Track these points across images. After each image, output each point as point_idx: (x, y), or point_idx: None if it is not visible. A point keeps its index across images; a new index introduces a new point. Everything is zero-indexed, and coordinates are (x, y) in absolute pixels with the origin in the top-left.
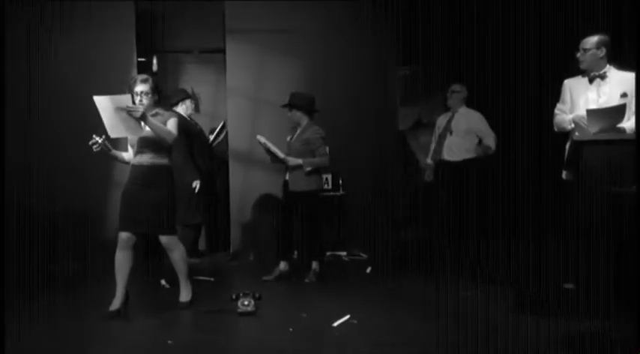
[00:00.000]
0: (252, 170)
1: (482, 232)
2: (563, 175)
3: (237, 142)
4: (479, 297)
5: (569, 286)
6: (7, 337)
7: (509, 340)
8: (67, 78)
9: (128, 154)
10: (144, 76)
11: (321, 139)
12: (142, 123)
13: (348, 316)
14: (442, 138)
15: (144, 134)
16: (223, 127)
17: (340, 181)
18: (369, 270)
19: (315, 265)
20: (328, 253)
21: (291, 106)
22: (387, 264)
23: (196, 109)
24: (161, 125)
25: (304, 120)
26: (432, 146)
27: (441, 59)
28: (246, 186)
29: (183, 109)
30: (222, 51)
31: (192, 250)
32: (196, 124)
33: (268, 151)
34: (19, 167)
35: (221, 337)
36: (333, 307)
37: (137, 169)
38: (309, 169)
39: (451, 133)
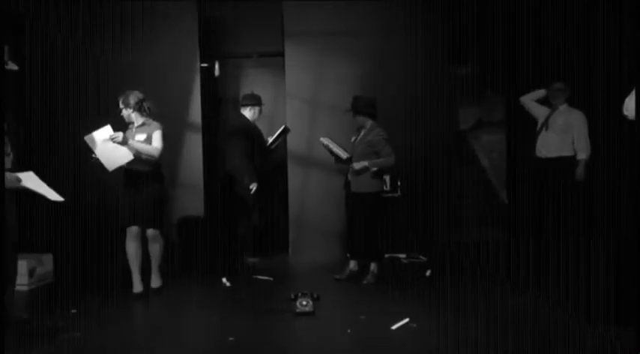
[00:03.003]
0: (311, 172)
1: (564, 232)
2: None
3: (296, 144)
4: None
5: None
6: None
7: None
8: (133, 84)
9: None
10: (126, 93)
11: (383, 140)
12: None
13: (407, 320)
14: (538, 134)
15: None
16: (284, 131)
17: (398, 183)
18: (428, 273)
19: (373, 266)
20: (386, 255)
21: (355, 110)
22: (447, 267)
23: (260, 112)
24: (144, 146)
25: (368, 122)
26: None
27: (504, 57)
28: (304, 187)
29: (250, 113)
30: (282, 54)
31: (251, 250)
32: (258, 129)
33: (332, 152)
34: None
35: (279, 337)
36: (391, 309)
37: (128, 172)
38: (375, 169)
39: (547, 128)
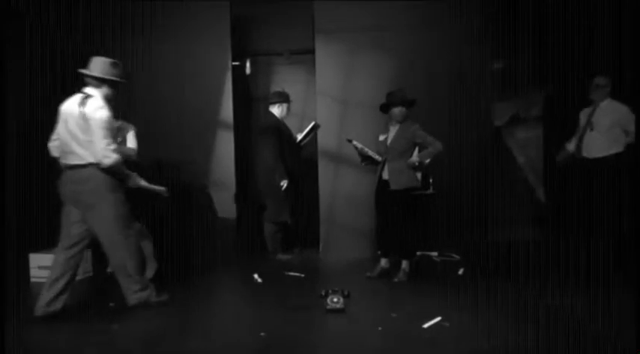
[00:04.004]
0: (342, 169)
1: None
2: None
3: (326, 141)
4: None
5: None
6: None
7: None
8: (167, 81)
9: None
10: None
11: (423, 131)
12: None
13: (439, 318)
14: (582, 133)
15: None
16: (313, 127)
17: (430, 180)
18: (461, 271)
19: (405, 264)
20: (418, 253)
21: (392, 103)
22: (481, 266)
23: (289, 109)
24: (123, 148)
25: (405, 117)
26: (574, 141)
27: (539, 52)
28: (335, 184)
29: (278, 111)
30: (312, 51)
31: (282, 247)
32: (287, 126)
33: (366, 154)
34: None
35: (310, 333)
36: (423, 308)
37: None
38: (428, 160)
39: (592, 128)
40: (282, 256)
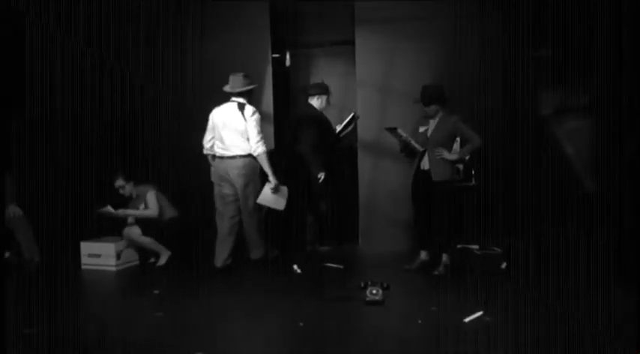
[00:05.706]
0: (381, 160)
1: None
2: None
3: (366, 132)
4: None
5: None
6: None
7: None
8: (210, 73)
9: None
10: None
11: (463, 125)
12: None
13: (480, 313)
14: None
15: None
16: (353, 118)
17: (472, 171)
18: (504, 265)
19: (445, 257)
20: (459, 246)
21: (425, 100)
22: (523, 259)
23: (328, 101)
24: (140, 212)
25: (440, 111)
26: None
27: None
28: (374, 176)
29: (318, 102)
30: (352, 43)
31: (320, 238)
32: (327, 118)
33: (408, 144)
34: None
35: (349, 325)
36: (464, 301)
37: None
38: (468, 157)
39: None
40: (321, 248)
